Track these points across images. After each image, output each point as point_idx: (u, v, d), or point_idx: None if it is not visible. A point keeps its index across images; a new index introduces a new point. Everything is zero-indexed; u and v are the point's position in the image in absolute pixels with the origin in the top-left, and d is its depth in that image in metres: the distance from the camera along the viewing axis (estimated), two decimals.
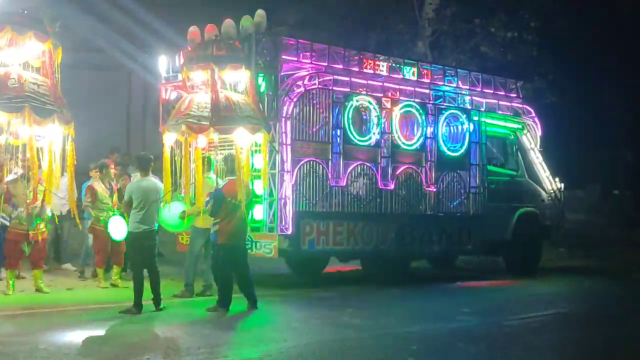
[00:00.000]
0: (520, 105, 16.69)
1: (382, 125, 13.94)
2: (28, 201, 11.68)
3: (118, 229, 12.13)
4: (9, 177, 10.39)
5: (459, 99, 15.34)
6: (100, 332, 9.37)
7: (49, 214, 12.14)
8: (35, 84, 9.53)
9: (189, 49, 12.83)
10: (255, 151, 12.12)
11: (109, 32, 19.87)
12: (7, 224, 11.56)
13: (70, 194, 10.81)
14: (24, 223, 11.77)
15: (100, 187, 13.14)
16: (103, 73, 20.63)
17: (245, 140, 11.26)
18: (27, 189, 11.55)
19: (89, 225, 13.29)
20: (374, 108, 13.85)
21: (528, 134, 16.65)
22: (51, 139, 10.09)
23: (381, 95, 14.03)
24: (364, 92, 13.80)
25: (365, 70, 13.96)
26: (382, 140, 14.00)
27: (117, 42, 19.94)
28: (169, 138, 11.64)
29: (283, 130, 12.72)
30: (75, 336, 9.01)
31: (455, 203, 15.07)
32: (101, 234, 12.87)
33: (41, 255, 12.39)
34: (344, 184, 13.45)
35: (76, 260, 14.67)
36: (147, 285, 10.63)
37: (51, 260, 14.22)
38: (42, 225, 12.15)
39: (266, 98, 12.58)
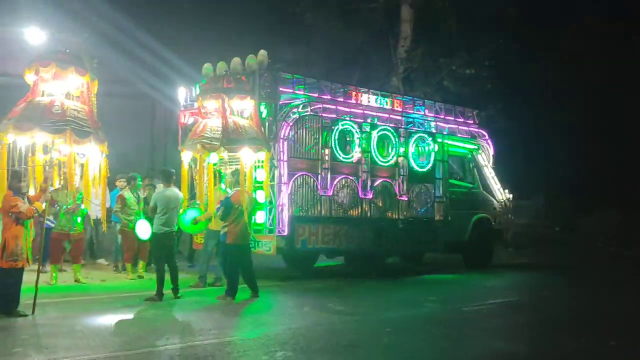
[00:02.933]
0: (476, 130, 16.76)
1: (362, 146, 13.93)
2: (68, 207, 11.69)
3: (144, 230, 12.10)
4: (52, 188, 10.35)
5: (426, 124, 15.39)
6: (129, 316, 9.40)
7: (85, 210, 12.12)
8: (76, 110, 9.50)
9: (204, 82, 12.88)
10: (258, 166, 12.15)
11: (137, 67, 19.86)
12: (52, 226, 11.53)
13: (103, 201, 10.79)
14: (65, 225, 11.79)
15: (129, 196, 13.14)
16: (131, 101, 20.58)
17: (249, 158, 11.29)
18: (68, 197, 11.54)
19: (119, 227, 13.28)
20: (356, 131, 13.86)
21: (482, 153, 16.72)
22: (88, 156, 10.09)
23: (362, 120, 14.03)
24: (348, 118, 13.81)
25: (348, 100, 14.00)
26: (362, 158, 13.97)
27: (143, 75, 19.95)
28: (187, 156, 11.67)
29: (281, 149, 12.70)
30: (108, 319, 9.01)
31: (422, 210, 15.09)
32: (129, 235, 12.83)
33: (79, 251, 12.40)
34: (331, 193, 13.43)
35: (108, 256, 14.63)
36: (167, 277, 10.62)
37: (87, 256, 14.16)
38: (80, 227, 12.17)
39: (267, 123, 12.57)
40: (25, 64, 10.08)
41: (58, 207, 11.40)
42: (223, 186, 12.00)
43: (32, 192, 9.48)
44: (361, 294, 12.16)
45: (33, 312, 8.80)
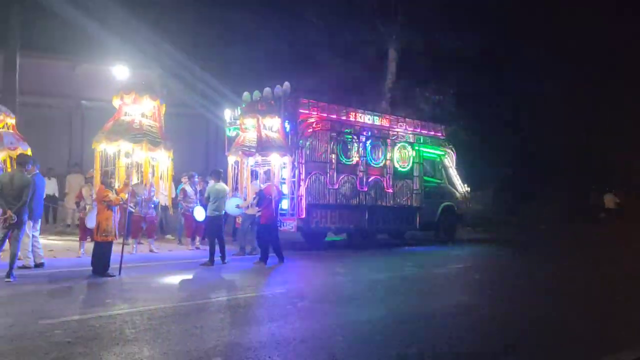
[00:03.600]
0: (443, 140, 16.70)
1: (359, 152, 13.93)
2: (144, 197, 11.76)
3: (199, 214, 12.21)
4: (133, 182, 10.43)
5: (406, 136, 15.31)
6: (189, 276, 9.44)
7: (156, 202, 12.19)
8: (150, 126, 9.59)
9: (243, 105, 12.93)
10: (283, 167, 12.21)
11: (194, 94, 19.95)
12: (133, 210, 11.59)
13: (169, 192, 10.86)
14: (142, 210, 11.85)
15: (189, 189, 13.20)
16: (190, 120, 20.67)
17: (277, 161, 11.35)
18: (144, 189, 11.60)
19: (182, 212, 13.33)
20: (355, 141, 13.85)
21: (448, 158, 16.66)
22: (158, 160, 10.15)
23: (359, 133, 14.00)
24: (349, 132, 13.81)
25: (349, 119, 13.96)
26: (360, 161, 13.96)
27: (199, 100, 20.03)
28: (231, 159, 11.76)
29: (300, 154, 12.71)
30: (174, 279, 9.08)
31: (404, 199, 15.06)
32: (189, 217, 12.90)
33: (152, 229, 12.44)
34: (337, 187, 13.42)
35: (174, 232, 14.69)
36: (216, 248, 10.68)
37: (158, 233, 14.23)
38: (152, 211, 12.23)
39: (290, 135, 12.59)
40: (113, 92, 10.18)
41: (137, 197, 11.49)
42: (257, 182, 12.04)
43: (118, 185, 9.58)
44: (359, 260, 12.19)
45: (119, 273, 8.86)
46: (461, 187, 16.91)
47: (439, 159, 16.47)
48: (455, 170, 16.86)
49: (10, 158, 10.09)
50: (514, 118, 25.37)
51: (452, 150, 16.79)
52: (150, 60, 19.40)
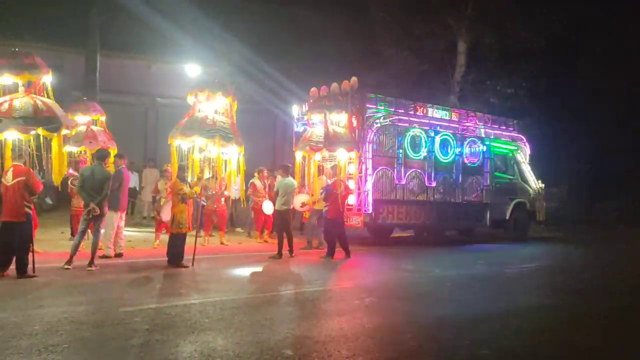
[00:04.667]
0: (516, 135, 16.12)
1: (428, 147, 13.71)
2: (216, 191, 12.07)
3: (268, 207, 12.41)
4: (206, 176, 10.69)
5: (476, 130, 14.94)
6: (258, 269, 9.59)
7: (227, 195, 12.48)
8: (222, 122, 9.73)
9: (311, 101, 13.00)
10: (350, 162, 12.19)
11: (263, 91, 20.23)
12: (205, 204, 11.91)
13: (242, 186, 11.05)
14: (214, 204, 12.16)
15: (258, 183, 13.41)
16: (259, 116, 20.99)
17: (344, 156, 11.32)
18: (216, 184, 11.91)
19: (251, 205, 13.55)
20: (423, 136, 13.64)
21: (521, 152, 16.09)
22: (230, 155, 10.34)
23: (427, 128, 13.78)
24: (417, 126, 13.61)
25: (417, 113, 13.77)
26: (428, 156, 13.76)
27: (267, 97, 20.30)
28: (299, 155, 11.82)
29: (367, 149, 12.64)
30: (244, 271, 9.23)
31: (474, 195, 14.70)
32: (258, 211, 13.11)
33: (223, 222, 12.71)
34: (404, 182, 13.29)
35: (243, 225, 15.00)
36: (285, 241, 10.79)
37: (229, 226, 14.55)
38: (223, 205, 12.52)
39: (357, 130, 12.56)
40: (186, 89, 10.46)
41: (209, 191, 11.80)
42: (324, 177, 12.08)
43: (192, 179, 9.87)
44: (426, 257, 12.00)
45: (192, 264, 9.16)
46: (534, 184, 16.29)
47: (511, 154, 15.94)
48: (528, 166, 16.26)
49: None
50: (590, 112, 24.12)
51: (526, 145, 16.20)
52: (220, 58, 19.87)
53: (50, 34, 18.06)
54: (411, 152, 13.44)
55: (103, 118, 11.76)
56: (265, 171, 13.63)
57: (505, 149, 15.77)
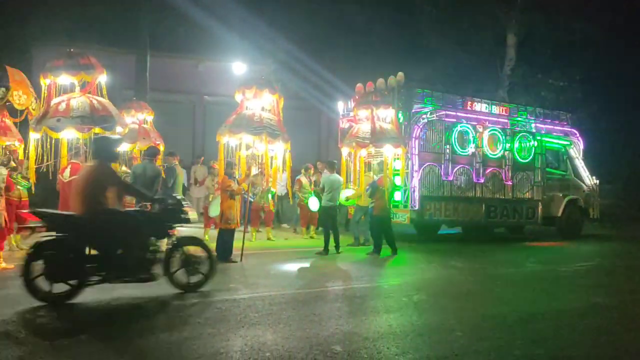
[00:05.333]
0: (569, 129, 15.61)
1: (476, 142, 13.48)
2: (263, 187, 12.21)
3: (314, 204, 12.47)
4: (254, 172, 10.83)
5: (527, 125, 14.56)
6: (305, 264, 9.67)
7: (273, 191, 12.61)
8: (269, 119, 9.88)
9: (357, 97, 12.96)
10: (396, 158, 12.11)
11: (308, 87, 20.27)
12: (252, 200, 12.08)
13: (289, 183, 11.17)
14: (260, 200, 12.32)
15: (304, 180, 13.48)
16: (304, 112, 20.99)
17: (390, 152, 11.26)
18: (263, 180, 12.04)
19: (297, 202, 13.64)
20: (471, 131, 13.40)
21: (574, 148, 15.56)
22: (276, 152, 10.46)
23: (475, 123, 13.53)
24: (464, 122, 13.38)
25: (465, 108, 13.54)
26: (476, 152, 13.51)
27: (312, 93, 20.34)
28: (345, 151, 11.84)
29: (413, 145, 12.54)
30: (291, 267, 9.33)
31: (524, 192, 14.35)
32: (304, 207, 13.19)
33: (270, 218, 12.90)
34: (451, 178, 13.10)
35: (289, 222, 15.13)
36: (331, 238, 10.83)
37: (275, 222, 14.70)
38: (270, 201, 12.67)
39: (403, 126, 12.45)
40: (232, 87, 10.63)
41: (256, 187, 11.95)
42: (370, 173, 12.04)
43: (239, 176, 10.02)
44: (475, 255, 11.79)
45: (241, 259, 9.33)
46: (589, 180, 15.75)
47: (563, 150, 15.47)
48: (582, 162, 15.72)
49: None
50: None
51: (579, 140, 15.68)
52: (266, 55, 20.05)
53: (102, 35, 18.65)
54: (459, 147, 13.22)
55: (150, 117, 12.12)
56: (312, 168, 13.68)
57: (558, 144, 15.31)
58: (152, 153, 9.53)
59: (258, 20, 19.33)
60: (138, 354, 4.59)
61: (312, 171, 13.59)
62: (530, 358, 4.86)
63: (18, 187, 9.34)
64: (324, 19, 21.01)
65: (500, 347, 5.08)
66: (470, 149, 13.43)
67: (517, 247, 13.57)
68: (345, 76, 18.23)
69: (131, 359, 4.44)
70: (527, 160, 14.37)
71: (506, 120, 14.16)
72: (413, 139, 12.53)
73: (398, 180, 12.32)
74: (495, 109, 14.12)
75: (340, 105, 14.25)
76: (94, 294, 6.20)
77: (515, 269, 9.97)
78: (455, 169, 13.18)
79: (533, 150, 14.47)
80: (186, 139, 20.58)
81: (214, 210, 10.67)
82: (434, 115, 12.93)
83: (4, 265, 7.94)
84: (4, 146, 9.64)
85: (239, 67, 19.21)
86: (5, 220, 8.02)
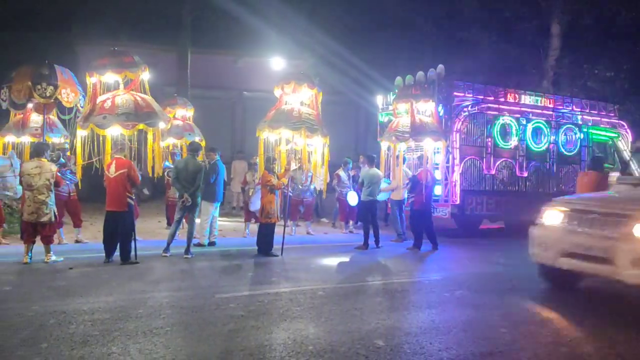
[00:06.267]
0: (617, 121, 15.12)
1: (519, 135, 13.21)
2: (302, 181, 12.27)
3: (353, 198, 12.49)
4: (293, 167, 10.88)
5: (573, 117, 14.18)
6: (345, 259, 9.66)
7: (313, 186, 12.66)
8: (308, 114, 9.91)
9: (396, 90, 12.88)
10: (436, 152, 11.99)
11: (346, 81, 20.22)
12: (291, 194, 12.13)
13: (325, 177, 11.20)
14: (300, 195, 12.37)
15: (342, 174, 13.48)
16: (341, 106, 20.99)
17: (430, 146, 11.15)
18: (302, 175, 12.11)
19: (336, 196, 13.63)
20: (514, 124, 13.15)
21: (622, 140, 15.03)
22: (315, 146, 10.49)
23: (519, 115, 13.27)
24: (507, 114, 13.13)
25: (508, 100, 13.28)
26: (519, 145, 13.26)
27: (350, 87, 20.29)
28: (384, 145, 11.78)
29: (454, 139, 12.37)
30: (331, 261, 9.36)
31: (570, 186, 13.93)
32: (343, 201, 13.21)
33: (309, 212, 12.94)
34: (493, 172, 12.90)
35: (328, 216, 15.16)
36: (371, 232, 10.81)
37: (314, 216, 14.74)
38: (310, 195, 12.72)
39: (443, 119, 12.30)
40: (271, 82, 10.72)
41: (295, 182, 12.01)
42: (404, 167, 11.92)
43: (279, 171, 10.10)
44: (519, 250, 11.34)
45: (281, 253, 9.42)
46: (637, 173, 15.19)
47: (611, 142, 14.99)
48: (630, 154, 15.20)
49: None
50: None
51: (628, 132, 15.16)
52: (304, 50, 20.11)
53: (144, 33, 19.05)
54: (501, 141, 13.00)
55: (189, 114, 12.34)
56: (350, 162, 13.67)
57: (605, 136, 14.84)
58: (194, 148, 9.70)
59: (296, 15, 19.38)
60: (183, 346, 4.69)
61: (350, 165, 13.56)
62: (578, 357, 4.76)
63: (67, 182, 9.72)
64: (362, 12, 20.91)
65: (547, 344, 4.99)
66: (513, 142, 13.19)
67: None
68: (384, 69, 18.13)
69: (177, 351, 4.55)
70: (572, 153, 14.03)
71: (551, 112, 13.82)
72: (454, 133, 12.37)
73: (438, 175, 12.20)
74: (540, 101, 13.80)
75: (379, 99, 14.19)
76: (143, 291, 6.34)
77: None
78: (498, 162, 12.96)
79: (579, 143, 14.11)
80: (226, 135, 20.87)
81: (254, 205, 10.81)
82: (476, 108, 12.73)
83: (53, 258, 8.24)
84: (53, 143, 10.02)
85: (277, 62, 19.35)
86: (54, 214, 8.33)
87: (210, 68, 20.65)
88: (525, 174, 13.30)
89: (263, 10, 18.86)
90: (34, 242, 8.24)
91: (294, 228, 12.56)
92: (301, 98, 10.16)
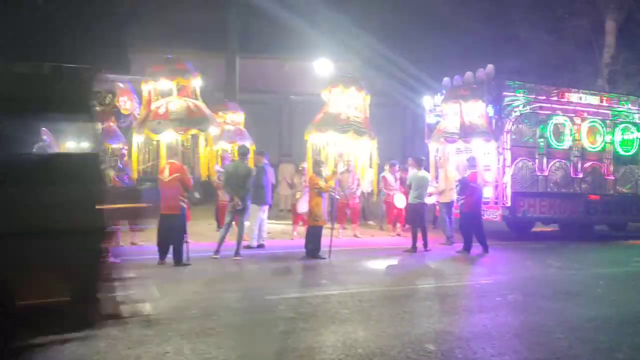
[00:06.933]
0: None
1: (574, 135, 12.83)
2: (349, 184, 12.27)
3: (400, 201, 12.40)
4: (340, 170, 10.90)
5: (630, 116, 13.65)
6: (394, 262, 9.63)
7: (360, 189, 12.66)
8: (355, 116, 9.95)
9: (444, 91, 12.74)
10: (486, 153, 11.79)
11: (392, 83, 20.11)
12: (338, 197, 12.12)
13: (374, 180, 11.17)
14: (346, 197, 12.37)
15: (389, 176, 13.38)
16: (387, 108, 20.83)
17: (480, 147, 10.97)
18: (349, 177, 12.11)
19: (383, 199, 13.56)
20: (568, 124, 12.77)
21: None
22: (363, 149, 10.49)
23: (573, 115, 12.88)
24: (560, 113, 12.76)
25: (561, 99, 12.90)
26: (574, 145, 12.87)
27: (397, 88, 20.15)
28: (432, 147, 11.67)
29: (504, 140, 12.09)
30: (379, 264, 9.32)
31: (627, 187, 13.46)
32: (390, 204, 13.12)
33: (356, 215, 12.89)
34: (547, 174, 12.57)
35: (375, 219, 15.08)
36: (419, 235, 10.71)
37: (361, 219, 14.70)
38: (356, 198, 12.70)
39: (493, 120, 12.08)
40: (317, 86, 10.80)
41: (345, 188, 12.00)
42: (454, 169, 11.76)
43: (326, 174, 10.12)
44: (574, 253, 11.21)
45: (329, 256, 9.44)
46: None
47: None
48: None
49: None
50: None
51: None
52: (350, 52, 20.11)
53: (193, 39, 19.51)
54: (554, 141, 12.66)
55: (239, 118, 12.58)
56: (397, 164, 13.58)
57: None
58: (243, 152, 9.88)
59: (342, 17, 19.42)
60: (235, 347, 4.79)
61: (396, 167, 13.47)
62: None
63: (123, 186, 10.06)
64: (408, 12, 20.74)
65: (603, 351, 4.83)
66: (567, 142, 12.81)
67: (619, 246, 12.79)
68: (431, 70, 17.91)
69: (229, 352, 4.64)
70: (630, 153, 13.53)
71: (607, 111, 13.36)
72: (504, 133, 12.11)
73: (488, 176, 11.98)
74: (595, 100, 13.35)
75: (426, 101, 14.05)
76: (195, 292, 6.50)
77: (618, 268, 9.41)
78: (551, 163, 12.63)
79: (637, 142, 13.56)
80: (273, 138, 21.10)
81: (302, 207, 10.89)
82: (527, 108, 12.43)
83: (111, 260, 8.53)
84: (112, 149, 10.42)
85: (323, 65, 19.42)
86: None
87: (257, 72, 20.97)
88: (581, 175, 12.91)
89: (309, 13, 18.99)
90: None
91: (340, 231, 12.56)
92: (349, 101, 10.19)
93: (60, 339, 4.75)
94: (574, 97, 13.09)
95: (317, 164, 9.69)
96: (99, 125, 10.17)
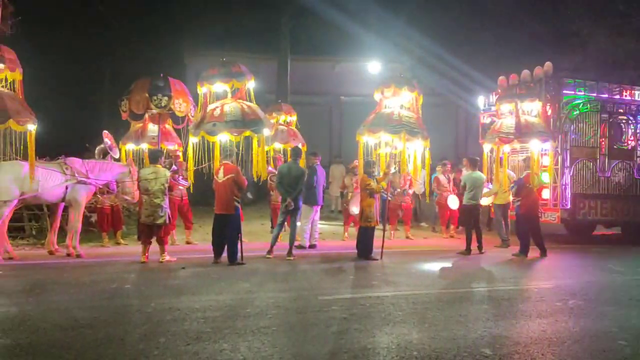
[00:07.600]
0: None
1: (638, 135, 12.28)
2: (401, 185, 12.18)
3: (453, 202, 12.22)
4: (392, 171, 10.82)
5: None
6: (447, 264, 9.51)
7: (411, 191, 12.58)
8: (408, 117, 9.83)
9: (499, 90, 12.46)
10: (544, 154, 11.45)
11: (444, 82, 19.82)
12: (390, 199, 12.06)
13: (427, 181, 11.05)
14: (397, 198, 12.29)
15: (442, 177, 13.19)
16: (440, 108, 20.57)
17: (537, 147, 10.66)
18: (400, 179, 12.03)
19: (436, 200, 13.38)
20: (632, 123, 12.26)
21: None
22: (416, 150, 10.37)
23: (637, 113, 12.35)
24: (623, 113, 12.25)
25: (624, 97, 12.40)
26: (638, 145, 12.32)
27: (449, 88, 19.85)
28: (487, 147, 11.39)
29: (564, 140, 11.76)
30: (432, 266, 9.21)
31: None
32: (443, 205, 12.94)
33: (408, 216, 12.83)
34: (609, 175, 12.09)
35: (428, 220, 14.93)
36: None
37: (413, 220, 14.57)
38: (408, 199, 12.61)
39: (552, 119, 11.74)
40: (369, 87, 10.76)
41: (394, 186, 11.94)
42: (509, 171, 11.47)
43: (378, 174, 10.09)
44: (637, 258, 10.72)
45: (381, 257, 9.41)
46: None
47: None
48: None
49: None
50: None
51: None
52: (402, 52, 19.96)
53: (245, 42, 19.86)
54: (617, 141, 12.19)
55: (292, 119, 12.68)
56: (449, 165, 13.38)
57: None
58: (296, 153, 9.98)
59: (392, 17, 19.30)
60: (289, 346, 4.84)
61: (448, 167, 13.27)
62: None
63: (179, 187, 10.36)
64: (462, 10, 20.37)
65: None
66: (631, 142, 12.28)
67: None
68: (485, 69, 17.53)
69: (283, 350, 4.70)
70: None
71: None
72: (563, 133, 11.75)
73: (546, 177, 11.63)
74: None
75: (480, 100, 13.79)
76: (249, 291, 6.60)
77: None
78: (613, 164, 12.16)
79: None
80: (324, 139, 21.21)
81: (354, 208, 10.89)
82: (587, 107, 12.00)
83: (167, 258, 8.81)
84: (168, 150, 10.72)
85: (374, 66, 19.37)
86: (168, 217, 8.90)
87: (309, 74, 21.13)
88: None
89: (360, 14, 18.98)
90: (150, 243, 8.85)
91: (392, 232, 12.48)
92: (401, 101, 10.11)
93: (120, 333, 4.97)
94: (638, 95, 12.54)
95: (369, 165, 9.68)
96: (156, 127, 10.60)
